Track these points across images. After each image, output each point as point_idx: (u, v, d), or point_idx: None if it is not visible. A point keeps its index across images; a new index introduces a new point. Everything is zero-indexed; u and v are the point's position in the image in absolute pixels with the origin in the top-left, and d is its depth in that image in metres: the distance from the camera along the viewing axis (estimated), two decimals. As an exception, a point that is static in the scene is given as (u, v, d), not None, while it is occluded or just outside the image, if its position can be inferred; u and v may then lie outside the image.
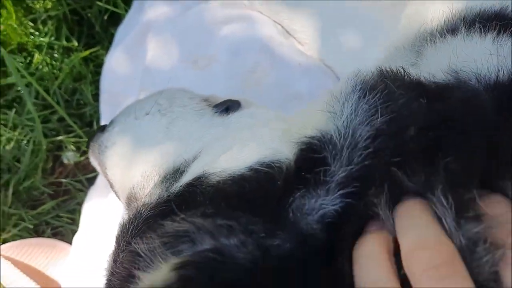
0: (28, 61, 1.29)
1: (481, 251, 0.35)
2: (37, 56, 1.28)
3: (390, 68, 0.58)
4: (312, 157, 0.44)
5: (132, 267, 0.43)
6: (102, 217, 1.00)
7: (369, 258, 0.39)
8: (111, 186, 0.78)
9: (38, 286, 1.02)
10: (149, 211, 0.53)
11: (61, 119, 1.27)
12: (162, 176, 0.62)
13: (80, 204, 1.20)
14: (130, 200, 0.68)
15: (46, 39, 1.27)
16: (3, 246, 1.08)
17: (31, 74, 1.23)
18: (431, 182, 0.39)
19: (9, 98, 1.28)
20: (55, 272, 1.09)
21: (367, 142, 0.43)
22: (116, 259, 0.54)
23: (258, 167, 0.46)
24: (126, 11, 1.30)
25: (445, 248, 0.37)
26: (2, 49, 1.16)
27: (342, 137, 0.44)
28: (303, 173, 0.43)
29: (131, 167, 0.70)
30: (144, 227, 0.52)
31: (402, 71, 0.56)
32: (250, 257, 0.37)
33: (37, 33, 1.32)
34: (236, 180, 0.47)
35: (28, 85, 1.22)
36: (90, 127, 1.26)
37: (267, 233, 0.39)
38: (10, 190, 1.15)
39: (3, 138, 1.22)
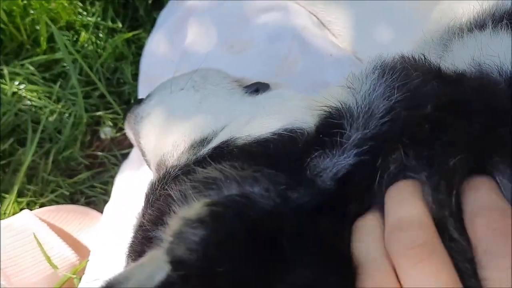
0: (74, 38, 1.36)
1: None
2: (83, 35, 1.35)
3: (411, 55, 0.61)
4: (331, 122, 0.48)
5: (165, 207, 0.48)
6: (133, 188, 1.06)
7: (364, 233, 0.41)
8: (143, 154, 0.83)
9: (70, 248, 1.08)
10: (177, 171, 0.58)
11: (101, 96, 1.34)
12: (189, 144, 0.67)
13: (113, 177, 1.26)
14: (159, 166, 0.73)
15: (93, 19, 1.34)
16: (41, 209, 1.15)
17: (77, 51, 1.30)
18: (425, 163, 0.41)
19: (55, 72, 1.36)
20: (86, 238, 1.16)
21: (383, 113, 0.46)
22: (144, 213, 0.58)
23: (281, 132, 0.50)
24: (170, -4, 1.36)
25: (426, 229, 0.38)
26: (53, 26, 1.24)
27: (360, 107, 0.48)
28: (321, 136, 0.47)
29: (163, 137, 0.75)
30: (172, 184, 0.56)
31: (423, 57, 0.58)
32: (272, 203, 0.41)
33: (84, 12, 1.39)
34: (260, 142, 0.51)
35: (73, 61, 1.29)
36: (128, 105, 1.33)
37: (288, 185, 0.43)
38: (50, 159, 1.22)
39: (47, 110, 1.30)
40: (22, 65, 1.33)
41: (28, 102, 1.30)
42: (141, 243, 0.51)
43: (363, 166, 0.44)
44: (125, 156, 1.28)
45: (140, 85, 1.28)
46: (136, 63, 1.34)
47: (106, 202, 1.23)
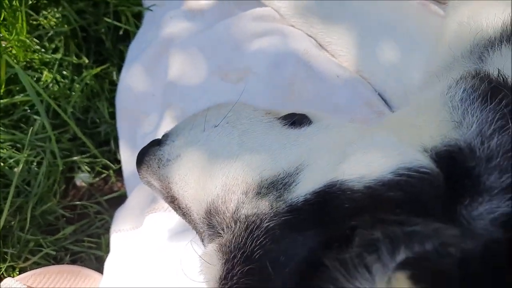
0: (35, 78, 1.22)
1: None
2: (46, 74, 1.22)
3: (488, 73, 0.59)
4: (462, 166, 0.44)
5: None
6: (140, 241, 0.94)
7: None
8: (172, 200, 0.74)
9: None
10: (269, 221, 0.51)
11: (72, 139, 1.21)
12: (253, 187, 0.60)
13: (99, 227, 1.14)
14: (210, 214, 0.65)
15: (58, 56, 1.21)
16: (25, 274, 1.00)
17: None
18: None
19: (14, 118, 1.21)
20: (80, 301, 1.02)
21: None
22: (231, 270, 0.51)
23: (408, 172, 0.45)
24: (137, 27, 1.27)
25: None
26: (16, 66, 1.10)
27: (486, 148, 0.44)
28: (465, 181, 0.43)
29: (207, 180, 0.67)
30: (268, 238, 0.50)
31: (502, 76, 0.56)
32: (451, 261, 0.36)
33: (43, 50, 1.26)
34: (391, 184, 0.45)
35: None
36: (107, 146, 1.21)
37: (458, 237, 0.38)
38: (28, 214, 1.07)
39: (12, 161, 1.15)
40: (-23, 112, 1.17)
41: (-11, 154, 1.14)
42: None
43: None
44: (111, 202, 1.16)
45: (119, 122, 1.18)
46: (109, 100, 1.23)
47: (97, 257, 1.11)
